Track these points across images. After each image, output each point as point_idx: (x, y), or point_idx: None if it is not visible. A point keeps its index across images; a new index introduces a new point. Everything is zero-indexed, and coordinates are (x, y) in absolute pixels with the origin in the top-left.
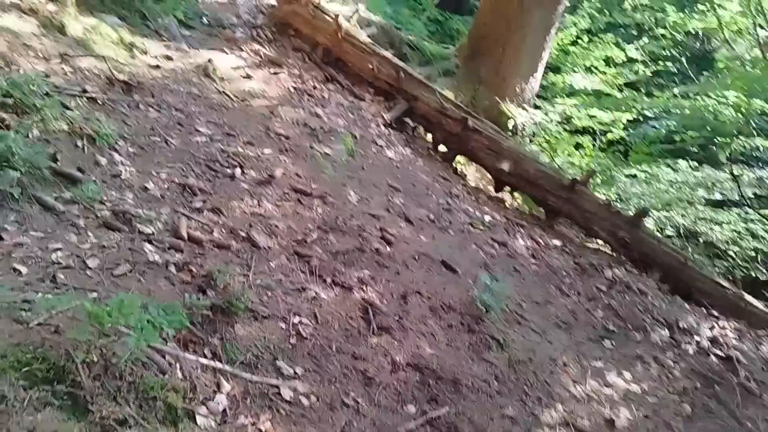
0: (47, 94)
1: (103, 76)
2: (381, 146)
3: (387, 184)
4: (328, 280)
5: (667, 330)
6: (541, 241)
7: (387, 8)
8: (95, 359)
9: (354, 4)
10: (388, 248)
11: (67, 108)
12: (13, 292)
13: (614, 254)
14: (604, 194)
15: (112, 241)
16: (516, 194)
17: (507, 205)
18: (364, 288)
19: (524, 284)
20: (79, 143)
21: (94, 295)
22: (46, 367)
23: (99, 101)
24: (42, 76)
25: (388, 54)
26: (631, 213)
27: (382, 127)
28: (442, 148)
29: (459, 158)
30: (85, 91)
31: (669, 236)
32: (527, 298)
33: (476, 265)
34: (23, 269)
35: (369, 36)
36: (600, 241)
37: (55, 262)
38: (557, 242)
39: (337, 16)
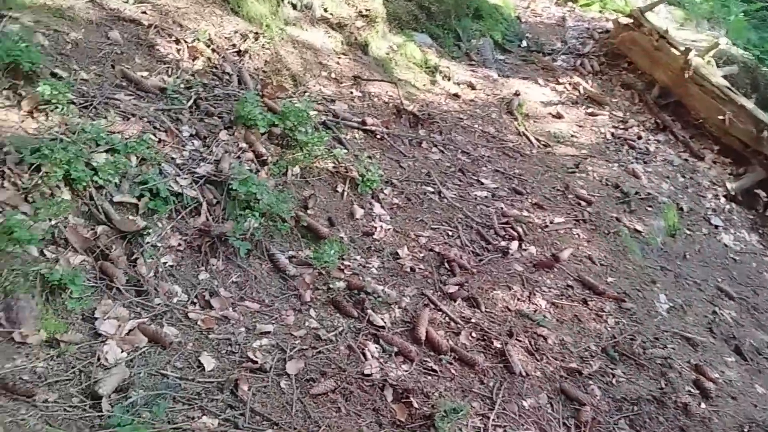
0: (324, 123)
1: (392, 105)
2: (716, 227)
3: (715, 285)
4: None
5: None
6: None
7: (751, 35)
8: None
9: (713, 31)
10: (703, 405)
11: (339, 142)
12: (171, 410)
13: None
14: None
15: (332, 332)
16: None
17: None
18: None
19: None
20: (340, 188)
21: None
22: None
23: (378, 135)
24: (325, 101)
25: (749, 103)
26: None
27: (722, 200)
28: None
29: None
30: (364, 123)
31: None
32: None
33: None
34: (209, 364)
35: (726, 77)
36: None
37: (250, 360)
38: None
39: (687, 50)
